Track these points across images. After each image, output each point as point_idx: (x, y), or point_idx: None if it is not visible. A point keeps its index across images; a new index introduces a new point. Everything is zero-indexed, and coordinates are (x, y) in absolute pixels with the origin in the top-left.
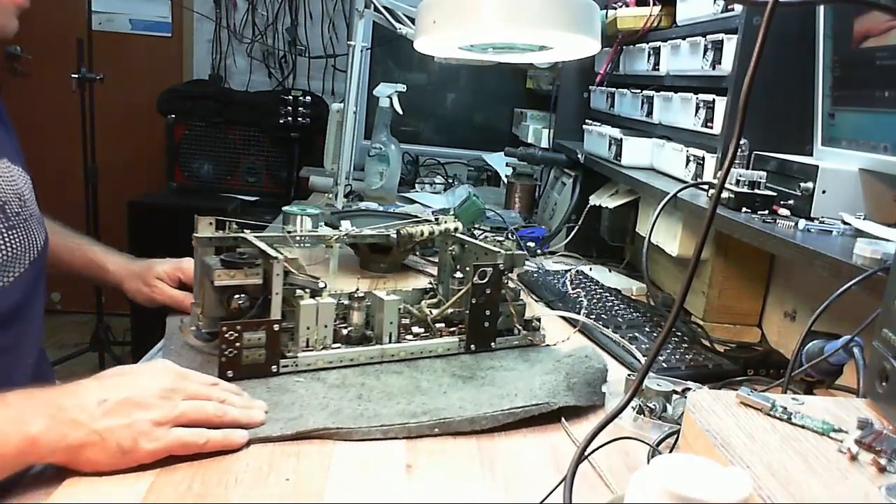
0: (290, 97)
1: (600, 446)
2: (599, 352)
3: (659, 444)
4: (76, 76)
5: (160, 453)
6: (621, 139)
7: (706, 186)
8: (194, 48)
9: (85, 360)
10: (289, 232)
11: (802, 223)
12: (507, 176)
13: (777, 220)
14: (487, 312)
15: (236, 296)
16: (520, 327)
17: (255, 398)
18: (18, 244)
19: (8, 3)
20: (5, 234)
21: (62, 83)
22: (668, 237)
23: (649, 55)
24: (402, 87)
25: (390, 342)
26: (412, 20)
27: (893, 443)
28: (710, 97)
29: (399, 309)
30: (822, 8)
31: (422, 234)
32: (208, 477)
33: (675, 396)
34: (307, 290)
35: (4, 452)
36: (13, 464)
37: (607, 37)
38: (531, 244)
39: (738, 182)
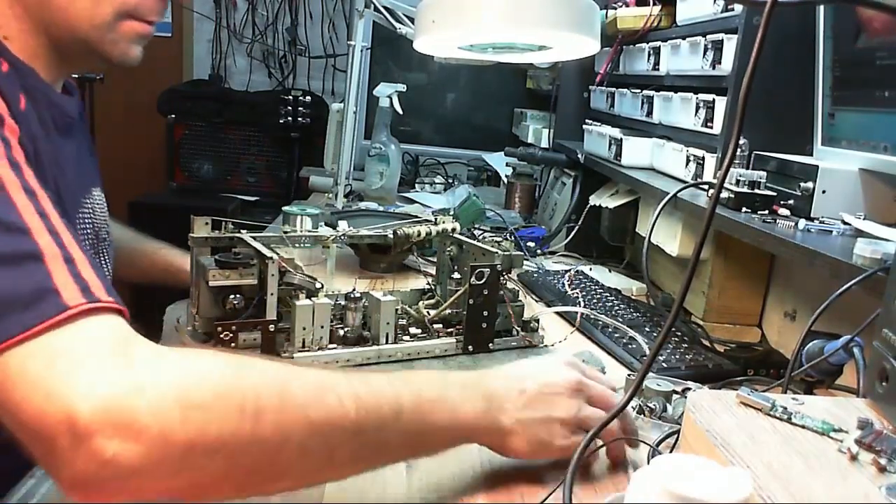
0: (290, 97)
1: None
2: (598, 355)
3: (659, 444)
4: (76, 76)
5: (567, 452)
6: (621, 139)
7: (706, 186)
8: (194, 48)
9: None
10: (285, 232)
11: (802, 223)
12: (507, 176)
13: (777, 220)
14: (485, 313)
15: (231, 296)
16: (518, 328)
17: None
18: (102, 268)
19: (128, 31)
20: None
21: None
22: (668, 237)
23: (649, 55)
24: (402, 87)
25: (387, 343)
26: (412, 20)
27: (893, 443)
28: (710, 97)
29: (396, 310)
30: (822, 8)
31: (419, 234)
32: None
33: (675, 396)
34: (304, 291)
35: (442, 436)
36: (447, 442)
37: (607, 37)
38: (531, 244)
39: (738, 182)
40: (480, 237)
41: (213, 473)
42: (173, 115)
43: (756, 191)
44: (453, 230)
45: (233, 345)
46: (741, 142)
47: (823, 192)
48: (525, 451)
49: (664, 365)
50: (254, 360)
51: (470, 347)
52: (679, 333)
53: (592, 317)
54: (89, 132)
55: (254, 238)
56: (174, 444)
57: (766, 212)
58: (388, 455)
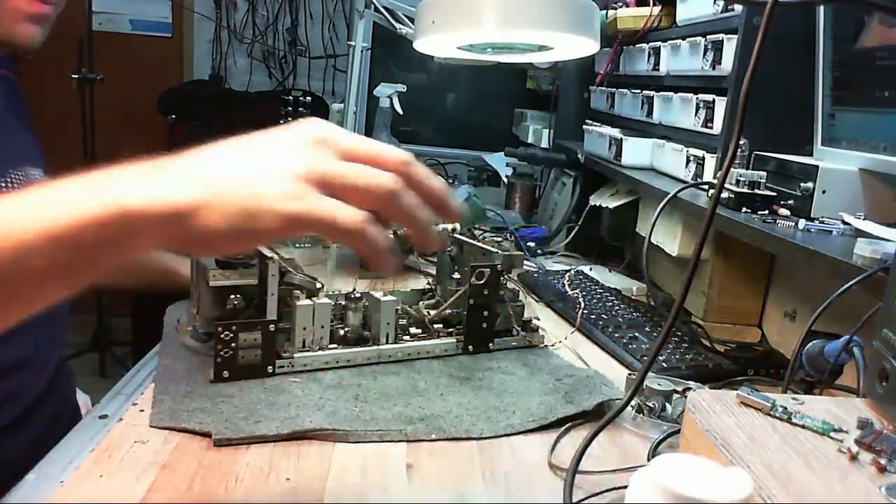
0: (291, 97)
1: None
2: (602, 374)
3: (659, 443)
4: (76, 76)
5: (293, 220)
6: (621, 139)
7: (706, 186)
8: (194, 48)
9: (85, 360)
10: None
11: (802, 223)
12: (507, 176)
13: (777, 220)
14: (485, 313)
15: (231, 296)
16: (518, 328)
17: (251, 399)
18: None
19: (12, 9)
20: None
21: (62, 83)
22: (668, 237)
23: (649, 55)
24: (402, 88)
25: (387, 343)
26: (412, 20)
27: (893, 442)
28: (709, 97)
29: (396, 310)
30: (822, 8)
31: None
32: (208, 477)
33: (675, 396)
34: (304, 291)
35: (81, 231)
36: (97, 247)
37: (607, 37)
38: (531, 244)
39: (738, 182)
40: (480, 237)
41: None
42: (174, 116)
43: (756, 191)
44: (453, 230)
45: (233, 345)
46: (741, 142)
47: (823, 192)
48: (222, 232)
49: (664, 365)
50: None
51: (470, 347)
52: (679, 333)
53: (593, 318)
54: (26, 112)
55: None
56: None
57: (766, 212)
58: None
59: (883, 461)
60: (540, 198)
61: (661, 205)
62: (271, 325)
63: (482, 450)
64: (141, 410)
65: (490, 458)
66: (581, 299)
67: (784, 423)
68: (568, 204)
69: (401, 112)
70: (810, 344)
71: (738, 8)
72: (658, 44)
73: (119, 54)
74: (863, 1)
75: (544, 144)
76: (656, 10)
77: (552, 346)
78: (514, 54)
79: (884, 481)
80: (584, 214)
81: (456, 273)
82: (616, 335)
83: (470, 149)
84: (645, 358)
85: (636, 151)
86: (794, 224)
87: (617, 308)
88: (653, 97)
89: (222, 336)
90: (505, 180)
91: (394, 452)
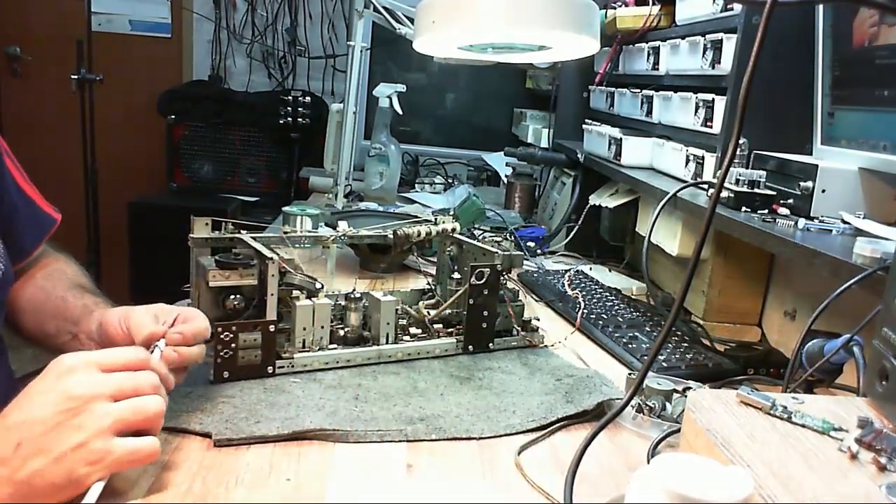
0: (290, 97)
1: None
2: (602, 373)
3: (659, 443)
4: (76, 77)
5: (107, 473)
6: (621, 139)
7: (706, 186)
8: (194, 49)
9: None
10: (285, 232)
11: (802, 222)
12: (506, 176)
13: (777, 220)
14: (485, 313)
15: (231, 296)
16: (518, 328)
17: (251, 399)
18: None
19: None
20: None
21: (62, 83)
22: (668, 237)
23: (649, 55)
24: (401, 88)
25: (387, 343)
26: (412, 20)
27: (893, 441)
28: (709, 96)
29: (396, 310)
30: (821, 7)
31: (419, 234)
32: (209, 477)
33: (675, 395)
34: (304, 291)
35: None
36: None
37: (606, 36)
38: (531, 244)
39: (737, 181)
40: (480, 237)
41: None
42: (173, 116)
43: (756, 190)
44: (453, 230)
45: (233, 345)
46: (741, 141)
47: (823, 191)
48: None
49: (664, 364)
50: None
51: (470, 347)
52: (679, 333)
53: (592, 318)
54: None
55: (254, 238)
56: None
57: (766, 211)
58: None
59: (883, 460)
60: (539, 198)
61: (661, 204)
62: (271, 326)
63: (482, 450)
64: None
65: (490, 457)
66: (581, 299)
67: (784, 423)
68: (567, 204)
69: (400, 112)
70: (810, 343)
71: (738, 7)
72: (657, 43)
73: (118, 55)
74: (863, 0)
75: (544, 144)
76: (655, 9)
77: (552, 346)
78: (514, 54)
79: (884, 480)
80: (584, 214)
81: (456, 273)
82: (616, 335)
83: (470, 149)
84: (645, 358)
85: (636, 151)
86: (793, 223)
87: (617, 308)
88: (652, 97)
89: (222, 336)
90: (504, 180)
91: (394, 452)
